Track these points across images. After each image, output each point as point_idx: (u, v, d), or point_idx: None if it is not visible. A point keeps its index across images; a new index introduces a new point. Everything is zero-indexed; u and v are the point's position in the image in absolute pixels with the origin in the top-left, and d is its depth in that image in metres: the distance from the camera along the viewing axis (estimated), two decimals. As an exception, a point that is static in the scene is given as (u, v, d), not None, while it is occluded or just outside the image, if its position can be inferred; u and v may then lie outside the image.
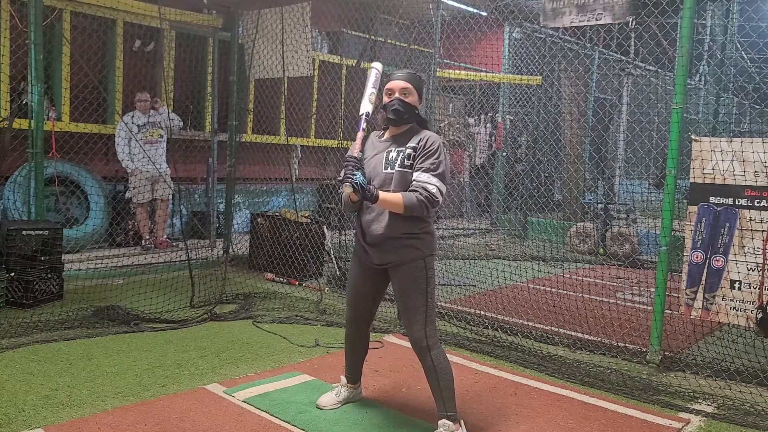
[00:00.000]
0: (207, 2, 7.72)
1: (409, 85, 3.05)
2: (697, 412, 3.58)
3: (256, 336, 4.63)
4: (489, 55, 8.34)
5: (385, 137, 3.16)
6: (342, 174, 2.89)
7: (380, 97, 3.20)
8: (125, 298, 5.35)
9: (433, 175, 2.93)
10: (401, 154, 3.02)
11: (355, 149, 3.02)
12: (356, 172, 2.86)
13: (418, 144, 3.01)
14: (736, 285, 4.00)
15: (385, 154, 3.07)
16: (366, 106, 3.12)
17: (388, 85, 3.09)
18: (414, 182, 2.95)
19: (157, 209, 7.45)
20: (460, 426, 3.08)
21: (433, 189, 2.91)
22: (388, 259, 3.08)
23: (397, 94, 3.05)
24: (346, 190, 2.85)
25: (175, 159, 7.55)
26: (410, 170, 2.99)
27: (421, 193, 2.90)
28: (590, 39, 10.00)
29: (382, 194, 2.90)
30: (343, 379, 3.50)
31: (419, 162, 2.97)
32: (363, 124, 3.10)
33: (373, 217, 3.07)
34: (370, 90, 3.14)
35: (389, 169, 3.02)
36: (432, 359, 3.00)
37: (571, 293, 5.78)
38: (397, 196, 2.92)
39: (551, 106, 10.27)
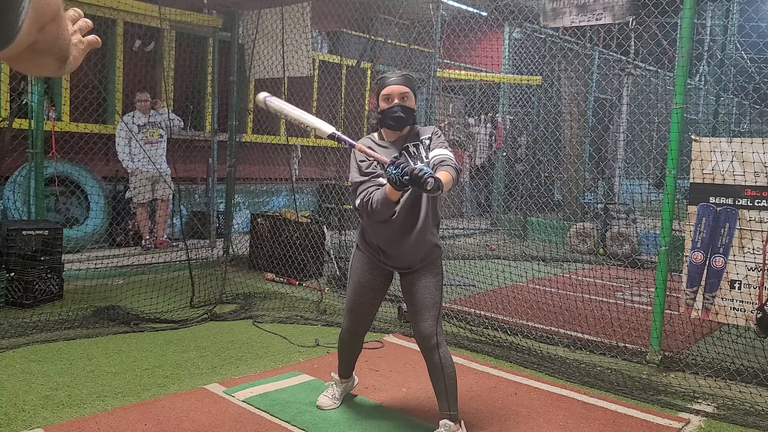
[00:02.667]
0: (207, 2, 7.72)
1: (407, 89, 3.01)
2: (697, 412, 3.58)
3: (256, 336, 4.63)
4: (489, 55, 8.32)
5: (386, 141, 3.10)
6: (407, 173, 2.56)
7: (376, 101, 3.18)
8: (125, 298, 5.35)
9: (450, 151, 2.99)
10: (420, 146, 3.04)
11: (380, 157, 2.77)
12: (424, 168, 2.58)
13: (431, 135, 3.06)
14: (736, 285, 4.00)
15: (398, 155, 3.04)
16: (325, 127, 2.93)
17: (385, 91, 3.00)
18: (442, 158, 2.90)
19: (157, 209, 7.45)
20: (461, 426, 3.08)
21: (454, 161, 2.94)
22: (400, 262, 3.08)
23: (396, 100, 2.99)
24: (431, 187, 2.53)
25: (175, 159, 7.55)
26: None
27: (452, 165, 2.86)
28: (590, 39, 10.00)
29: (442, 177, 2.65)
30: (335, 377, 3.49)
31: (432, 145, 3.02)
32: (348, 139, 2.88)
33: (386, 224, 2.96)
34: (300, 117, 2.99)
35: (419, 163, 2.96)
36: (440, 357, 2.98)
37: (571, 293, 5.77)
38: (448, 176, 2.74)
39: (551, 106, 10.26)
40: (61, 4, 0.91)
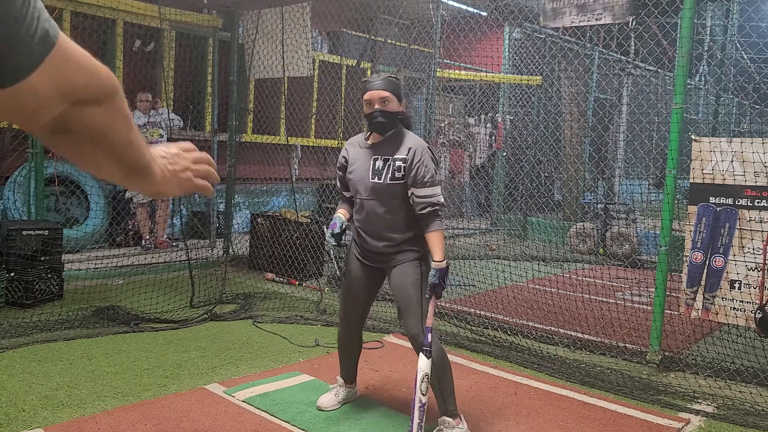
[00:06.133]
0: (207, 2, 7.72)
1: (386, 93, 3.02)
2: (697, 412, 3.58)
3: (256, 336, 4.63)
4: (489, 55, 8.32)
5: (370, 142, 3.16)
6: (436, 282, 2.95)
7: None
8: (125, 298, 5.35)
9: (435, 186, 3.03)
10: (388, 164, 3.05)
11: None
12: (439, 282, 2.93)
13: (407, 156, 3.02)
14: (736, 285, 4.00)
15: (372, 162, 3.08)
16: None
17: (366, 96, 3.05)
18: (422, 200, 2.99)
19: (157, 209, 7.45)
20: (461, 420, 3.08)
21: (441, 199, 3.03)
22: (386, 260, 3.12)
23: (377, 105, 3.02)
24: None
25: (175, 159, 7.54)
26: (401, 182, 3.03)
27: (437, 210, 3.00)
28: (590, 39, 9.99)
29: (437, 255, 2.95)
30: (340, 380, 3.50)
31: (416, 176, 3.01)
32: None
33: (369, 226, 3.13)
34: None
35: (377, 180, 3.05)
36: (432, 355, 3.00)
37: (571, 293, 5.77)
38: (438, 238, 2.97)
39: (551, 106, 10.26)
40: (114, 89, 0.81)
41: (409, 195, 3.04)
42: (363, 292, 3.28)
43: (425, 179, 3.00)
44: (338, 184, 3.34)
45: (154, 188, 1.00)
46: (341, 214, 3.22)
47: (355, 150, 3.20)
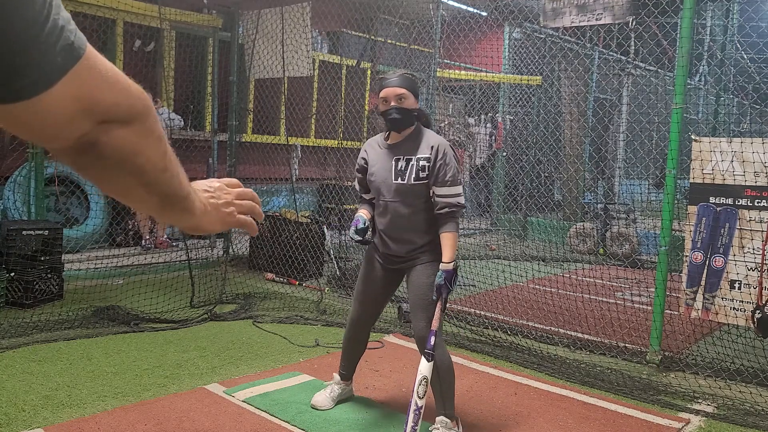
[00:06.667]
0: (207, 2, 7.72)
1: (403, 90, 3.00)
2: (697, 412, 3.58)
3: (256, 336, 4.63)
4: (489, 55, 8.32)
5: (389, 142, 3.13)
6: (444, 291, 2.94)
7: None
8: (125, 298, 5.35)
9: (456, 185, 2.99)
10: (411, 164, 3.02)
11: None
12: (444, 284, 2.92)
13: (431, 154, 3.00)
14: (736, 285, 4.00)
15: (393, 163, 3.06)
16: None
17: (382, 93, 3.04)
18: (442, 199, 2.97)
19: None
20: (457, 424, 3.09)
21: (462, 200, 2.99)
22: (407, 260, 3.11)
23: (393, 102, 3.00)
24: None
25: (175, 159, 7.55)
26: (425, 181, 3.00)
27: (455, 212, 2.97)
28: (590, 39, 9.99)
29: (446, 256, 2.94)
30: (337, 377, 3.49)
31: (438, 175, 2.98)
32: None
33: (392, 229, 3.10)
34: None
35: (400, 180, 3.03)
36: (435, 358, 2.99)
37: (571, 293, 5.77)
38: (450, 240, 2.95)
39: (551, 106, 10.26)
40: (146, 110, 0.75)
41: (431, 193, 3.02)
42: (380, 295, 3.27)
43: (446, 178, 2.98)
44: (357, 186, 3.29)
45: (193, 222, 0.94)
46: (363, 213, 3.16)
47: (375, 151, 3.16)
